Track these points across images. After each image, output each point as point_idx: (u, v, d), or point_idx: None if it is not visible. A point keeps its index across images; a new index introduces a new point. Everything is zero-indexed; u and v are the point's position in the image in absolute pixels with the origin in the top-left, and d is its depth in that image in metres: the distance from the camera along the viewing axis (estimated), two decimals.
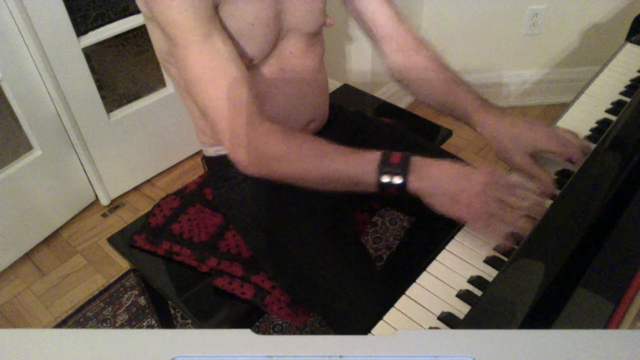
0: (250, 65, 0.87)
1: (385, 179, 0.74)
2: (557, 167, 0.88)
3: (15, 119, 1.57)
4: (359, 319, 0.82)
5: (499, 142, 0.87)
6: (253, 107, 0.78)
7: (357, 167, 0.76)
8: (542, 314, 0.60)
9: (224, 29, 0.82)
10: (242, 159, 0.79)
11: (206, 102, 0.77)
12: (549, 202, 0.77)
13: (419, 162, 0.75)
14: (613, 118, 0.98)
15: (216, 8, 0.78)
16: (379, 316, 0.70)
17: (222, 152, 1.02)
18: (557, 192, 0.80)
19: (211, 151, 1.03)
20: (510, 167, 0.88)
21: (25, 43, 1.45)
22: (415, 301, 0.71)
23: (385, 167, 0.74)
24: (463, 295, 0.70)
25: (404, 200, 1.09)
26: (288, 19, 0.89)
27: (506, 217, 0.70)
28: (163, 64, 0.94)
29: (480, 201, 0.70)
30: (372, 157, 0.76)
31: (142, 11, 0.83)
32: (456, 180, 0.72)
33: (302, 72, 0.96)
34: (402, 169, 0.74)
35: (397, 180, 0.74)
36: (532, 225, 0.70)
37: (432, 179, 0.73)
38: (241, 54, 0.85)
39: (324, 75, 1.03)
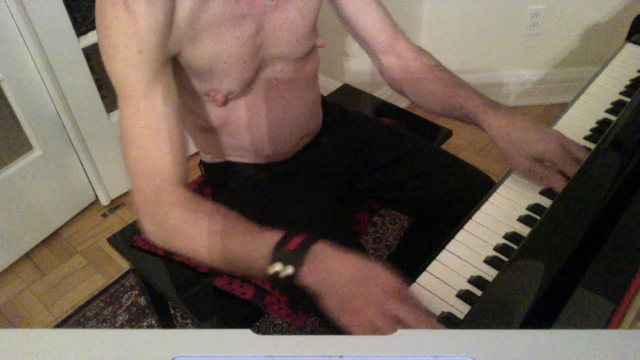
0: (227, 98, 0.85)
1: (277, 267, 0.64)
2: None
3: (15, 119, 1.57)
4: None
5: (508, 145, 0.84)
6: (169, 174, 0.73)
7: (252, 249, 0.67)
8: (542, 314, 0.60)
9: (189, 70, 0.79)
10: (146, 227, 0.74)
11: (127, 160, 0.74)
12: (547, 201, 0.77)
13: (319, 252, 0.64)
14: (613, 118, 0.98)
15: (177, 55, 0.76)
16: None
17: (219, 160, 1.02)
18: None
19: (208, 158, 1.04)
20: (515, 169, 0.87)
21: (25, 43, 1.45)
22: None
23: (279, 253, 0.64)
24: (463, 295, 0.70)
25: (403, 201, 1.10)
26: (270, 50, 0.85)
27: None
28: None
29: (372, 313, 0.59)
30: (270, 240, 0.66)
31: None
32: (354, 283, 0.62)
33: (290, 95, 0.93)
34: (297, 257, 0.63)
35: (289, 270, 0.63)
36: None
37: (328, 276, 0.62)
38: (217, 89, 0.83)
39: (315, 89, 1.01)
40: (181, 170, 0.74)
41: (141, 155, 0.72)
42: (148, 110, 0.71)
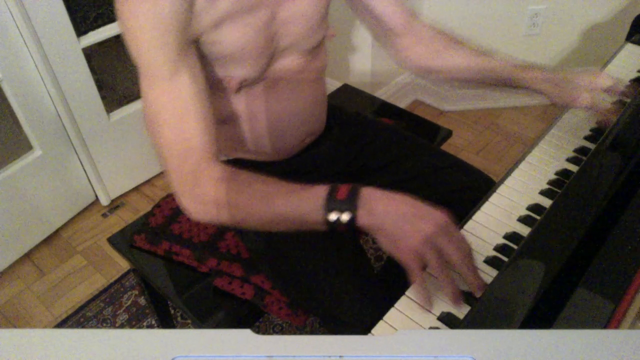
0: (240, 86, 0.86)
1: (333, 217, 0.68)
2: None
3: (15, 119, 1.57)
4: (354, 322, 0.82)
5: (555, 88, 0.87)
6: (204, 151, 0.75)
7: (302, 206, 0.71)
8: (542, 314, 0.60)
9: (210, 54, 0.80)
10: (187, 205, 0.76)
11: (159, 142, 0.75)
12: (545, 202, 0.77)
13: (368, 196, 0.69)
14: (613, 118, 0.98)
15: (198, 39, 0.77)
16: (379, 316, 0.70)
17: (221, 158, 1.02)
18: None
19: None
20: (576, 106, 0.89)
21: (25, 43, 1.45)
22: (415, 301, 0.71)
23: (331, 203, 0.69)
24: (463, 295, 0.70)
25: None
26: (284, 39, 0.86)
27: (440, 271, 0.65)
28: None
29: (420, 247, 0.64)
30: (318, 194, 0.70)
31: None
32: (405, 219, 0.66)
33: (299, 88, 0.94)
34: (350, 205, 0.68)
35: (345, 217, 0.68)
36: (454, 294, 0.67)
37: (381, 215, 0.67)
38: (231, 76, 0.84)
39: (323, 88, 1.01)
40: (214, 146, 0.77)
41: (175, 136, 0.74)
42: (177, 91, 0.73)
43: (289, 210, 0.72)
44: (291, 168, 1.02)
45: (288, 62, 0.90)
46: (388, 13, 0.98)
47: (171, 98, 0.73)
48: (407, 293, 0.72)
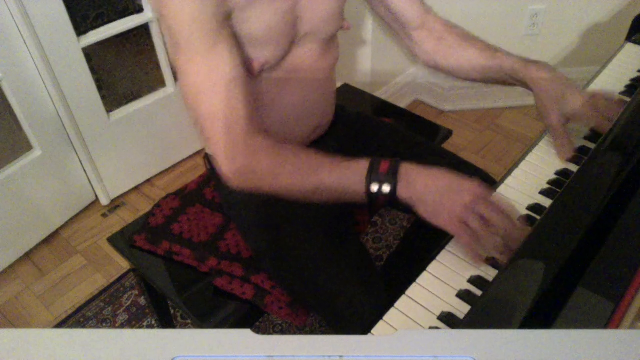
0: (262, 69, 0.87)
1: (375, 188, 0.73)
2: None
3: (15, 119, 1.57)
4: (358, 319, 0.82)
5: (547, 100, 0.88)
6: (248, 121, 0.77)
7: (344, 178, 0.75)
8: (542, 314, 0.60)
9: (237, 34, 0.81)
10: (231, 175, 0.78)
11: (201, 114, 0.76)
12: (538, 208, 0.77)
13: (408, 170, 0.74)
14: None
15: (229, 15, 0.78)
16: (379, 316, 0.70)
17: None
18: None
19: None
20: (545, 124, 0.91)
21: (25, 43, 1.45)
22: (415, 301, 0.71)
23: (373, 175, 0.73)
24: (463, 295, 0.70)
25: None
26: (305, 24, 0.88)
27: (484, 237, 0.70)
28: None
29: (463, 214, 0.70)
30: (360, 167, 0.75)
31: (153, 9, 0.82)
32: (444, 192, 0.72)
33: (313, 78, 0.95)
34: (391, 178, 0.73)
35: (386, 188, 0.73)
36: (502, 254, 0.71)
37: (421, 188, 0.72)
38: (254, 58, 0.85)
39: (333, 82, 1.03)
40: (256, 117, 0.79)
41: (218, 108, 0.75)
42: (217, 62, 0.75)
43: (333, 181, 0.76)
44: None
45: (305, 51, 0.91)
46: (403, 6, 1.00)
47: (212, 69, 0.74)
48: (407, 292, 0.72)
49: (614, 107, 0.88)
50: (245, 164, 0.77)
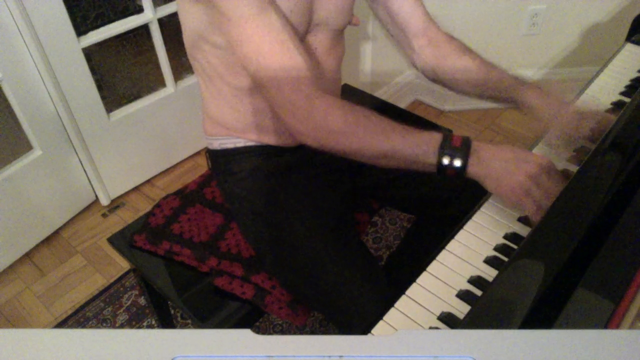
0: None
1: (446, 161, 0.75)
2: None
3: (15, 119, 1.57)
4: (361, 315, 0.82)
5: (541, 119, 0.89)
6: (314, 80, 0.79)
7: (416, 146, 0.77)
8: (542, 314, 0.60)
9: None
10: (303, 132, 0.80)
11: (266, 76, 0.78)
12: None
13: (478, 147, 0.76)
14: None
15: None
16: (379, 316, 0.70)
17: (227, 146, 1.01)
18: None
19: (216, 144, 1.02)
20: (542, 140, 0.93)
21: (25, 43, 1.45)
22: (415, 301, 0.71)
23: (446, 149, 0.75)
24: (463, 295, 0.70)
25: (403, 198, 1.10)
26: (319, 12, 0.89)
27: (543, 206, 0.73)
28: (190, 51, 0.94)
29: (527, 184, 0.73)
30: (433, 138, 0.77)
31: None
32: (511, 163, 0.74)
33: (322, 71, 0.96)
34: (463, 153, 0.75)
35: (457, 163, 0.75)
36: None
37: (488, 162, 0.75)
38: None
39: (339, 79, 1.04)
40: (316, 78, 0.81)
41: (279, 67, 0.77)
42: (270, 26, 0.77)
43: (405, 147, 0.77)
44: (297, 160, 1.02)
45: (317, 40, 0.93)
46: (407, 11, 1.01)
47: (268, 31, 0.77)
48: (407, 292, 0.72)
49: (603, 125, 0.88)
50: (314, 123, 0.79)
